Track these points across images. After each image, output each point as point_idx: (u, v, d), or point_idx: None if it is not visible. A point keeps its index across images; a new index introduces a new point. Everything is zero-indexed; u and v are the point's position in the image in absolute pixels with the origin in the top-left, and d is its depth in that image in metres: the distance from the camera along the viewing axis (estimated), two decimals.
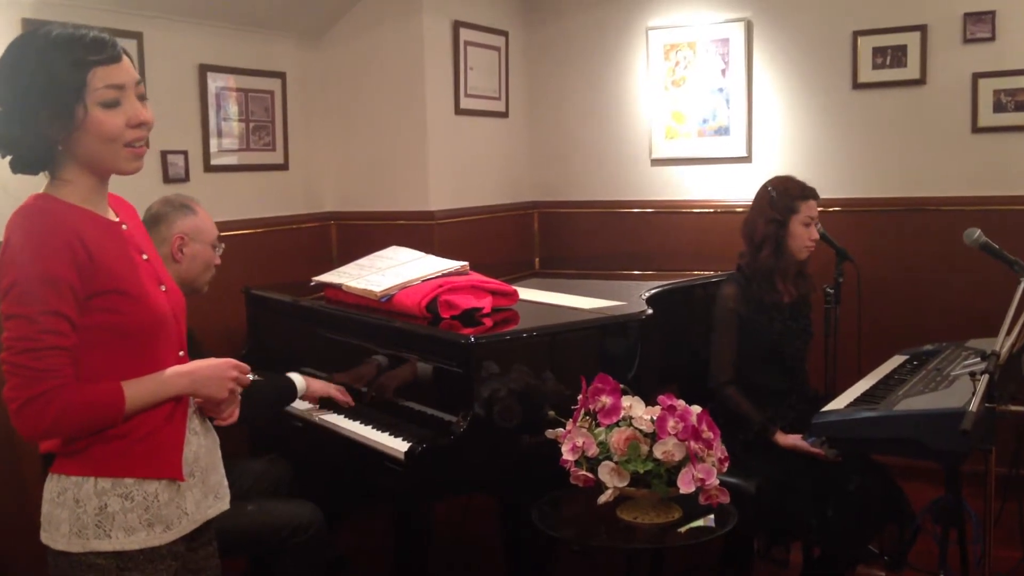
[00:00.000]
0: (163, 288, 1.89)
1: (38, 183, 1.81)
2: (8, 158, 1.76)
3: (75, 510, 1.75)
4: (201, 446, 1.91)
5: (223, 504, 1.98)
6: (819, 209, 3.24)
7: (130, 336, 1.78)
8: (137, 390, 1.76)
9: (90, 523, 1.75)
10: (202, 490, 1.90)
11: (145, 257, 1.88)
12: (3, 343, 1.68)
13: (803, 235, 3.19)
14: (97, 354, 1.74)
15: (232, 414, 1.95)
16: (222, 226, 3.02)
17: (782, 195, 3.21)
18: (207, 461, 1.93)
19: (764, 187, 3.29)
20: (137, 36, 3.64)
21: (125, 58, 1.80)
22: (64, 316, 1.68)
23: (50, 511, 1.78)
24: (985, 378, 2.23)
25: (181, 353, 1.90)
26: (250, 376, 3.13)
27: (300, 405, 3.13)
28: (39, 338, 1.66)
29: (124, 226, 1.87)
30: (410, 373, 2.95)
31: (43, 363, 1.66)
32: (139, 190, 3.07)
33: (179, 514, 1.83)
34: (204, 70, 3.98)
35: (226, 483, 2.02)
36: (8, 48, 1.74)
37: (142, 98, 1.82)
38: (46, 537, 1.79)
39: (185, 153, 3.91)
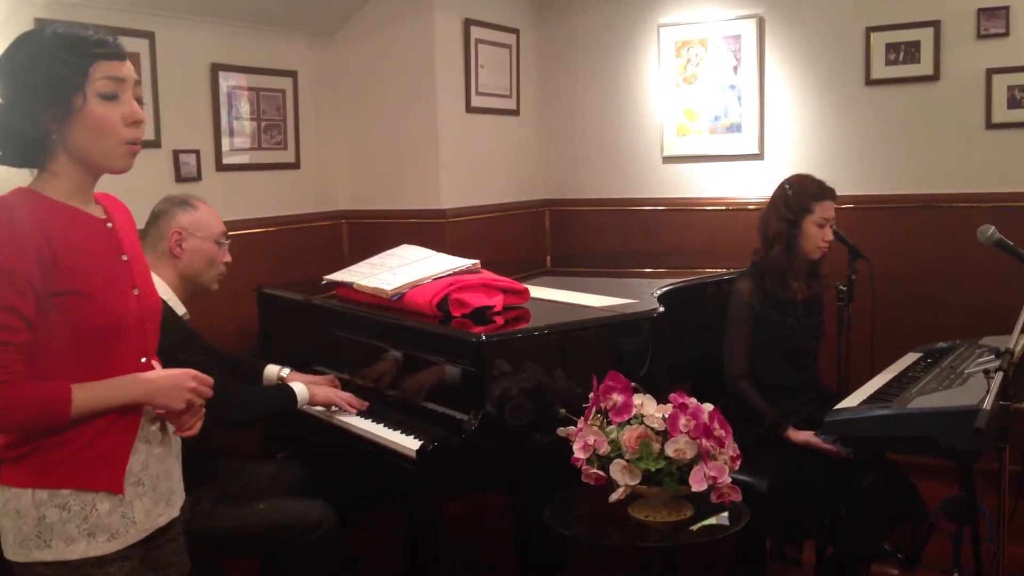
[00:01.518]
0: (136, 292, 1.86)
1: (23, 178, 1.80)
2: None
3: (16, 521, 1.75)
4: (152, 454, 1.88)
5: (173, 511, 1.96)
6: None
7: (85, 339, 1.75)
8: (87, 394, 1.73)
9: (31, 534, 1.74)
10: (152, 498, 1.88)
11: (125, 259, 1.86)
12: None
13: (816, 236, 3.18)
14: (57, 355, 1.72)
15: (193, 426, 1.89)
16: (233, 225, 3.03)
17: (798, 194, 3.21)
18: (158, 469, 1.90)
19: (782, 184, 3.29)
20: (149, 36, 3.65)
21: (128, 59, 1.82)
22: (16, 311, 1.66)
23: None
24: (999, 376, 2.21)
25: (144, 360, 1.86)
26: (286, 373, 3.12)
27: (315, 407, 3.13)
28: None
29: (109, 224, 1.86)
30: (421, 371, 2.95)
31: None
32: (151, 189, 3.09)
33: (125, 523, 1.81)
34: (216, 69, 3.99)
35: (180, 489, 2.01)
36: (13, 44, 1.76)
37: (139, 100, 1.83)
38: (2, 546, 1.78)
39: (197, 152, 3.92)
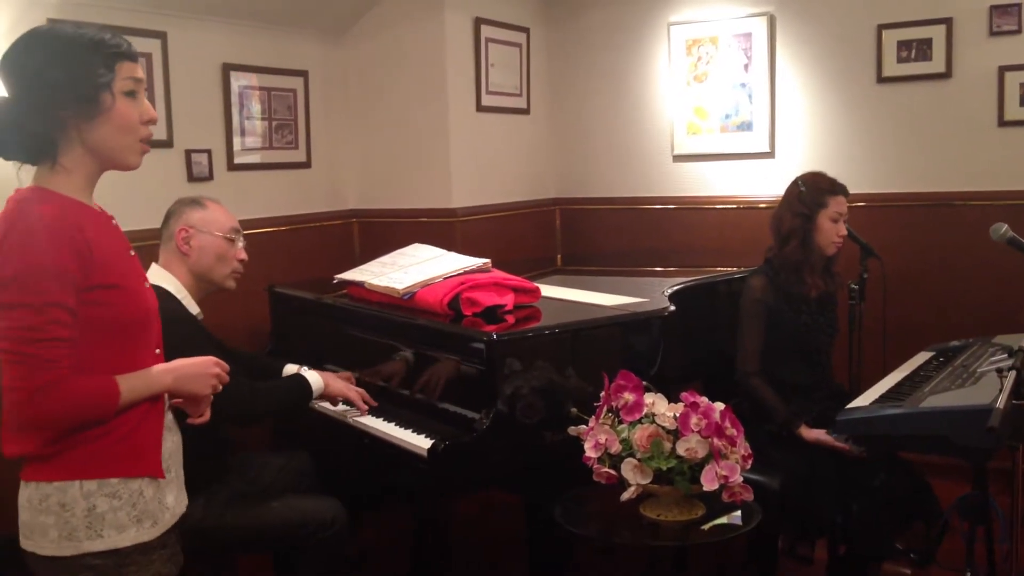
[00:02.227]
0: (147, 285, 1.93)
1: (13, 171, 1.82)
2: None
3: (62, 515, 1.76)
4: (174, 443, 1.95)
5: (186, 499, 2.03)
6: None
7: (120, 331, 1.80)
8: (128, 385, 1.78)
9: (80, 525, 1.76)
10: (177, 484, 1.95)
11: (133, 253, 1.91)
12: (4, 333, 1.68)
13: (831, 231, 3.18)
14: (92, 348, 1.75)
15: (204, 412, 1.97)
16: (245, 224, 3.03)
17: (811, 190, 3.21)
18: (177, 457, 1.97)
19: (795, 181, 3.29)
20: (161, 36, 3.67)
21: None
22: (67, 307, 1.69)
23: (32, 518, 1.78)
24: (1012, 374, 2.21)
25: (157, 351, 1.92)
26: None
27: (323, 402, 3.13)
28: (45, 328, 1.67)
29: (114, 220, 1.90)
30: (432, 370, 2.95)
31: (50, 353, 1.67)
32: (164, 189, 3.11)
33: (162, 509, 1.88)
34: (227, 69, 4.00)
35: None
36: (25, 42, 1.77)
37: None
38: (30, 544, 1.80)
39: (209, 152, 3.93)
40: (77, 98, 1.73)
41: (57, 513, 1.76)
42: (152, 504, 1.84)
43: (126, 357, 1.81)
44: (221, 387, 1.96)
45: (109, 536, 1.78)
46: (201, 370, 1.91)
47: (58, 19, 3.21)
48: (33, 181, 1.80)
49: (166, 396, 1.91)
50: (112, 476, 1.79)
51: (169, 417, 1.94)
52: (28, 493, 1.79)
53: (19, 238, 1.69)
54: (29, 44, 1.76)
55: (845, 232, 3.22)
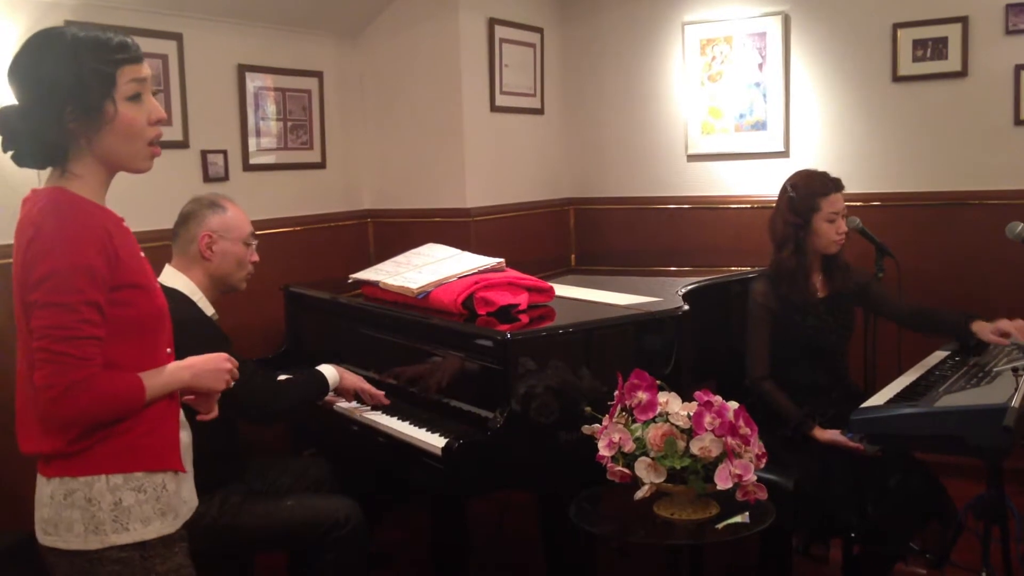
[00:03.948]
0: (159, 284, 1.96)
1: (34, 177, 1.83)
2: (10, 152, 1.79)
3: (88, 509, 1.78)
4: (187, 439, 1.98)
5: (196, 496, 2.05)
6: (859, 204, 3.21)
7: (141, 329, 1.83)
8: (152, 382, 1.82)
9: (106, 519, 1.79)
10: (191, 480, 1.99)
11: (142, 255, 1.92)
12: (38, 331, 1.70)
13: (829, 231, 3.14)
14: (114, 346, 1.77)
15: (213, 408, 2.01)
16: (260, 225, 3.05)
17: (802, 194, 3.15)
18: (190, 454, 1.99)
19: (784, 186, 3.23)
20: (177, 37, 3.69)
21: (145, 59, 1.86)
22: (98, 306, 1.72)
23: (55, 514, 1.80)
24: None
25: (169, 350, 1.95)
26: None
27: (340, 402, 3.15)
28: (79, 327, 1.69)
29: (125, 223, 1.91)
30: (447, 369, 2.96)
31: (82, 351, 1.70)
32: (180, 189, 3.12)
33: (181, 502, 1.92)
34: (242, 70, 4.02)
35: None
36: (34, 46, 1.77)
37: (155, 95, 1.88)
38: (52, 540, 1.81)
39: (224, 152, 3.96)
40: (81, 108, 1.73)
41: (83, 507, 1.78)
42: (174, 498, 1.88)
43: (146, 355, 1.84)
44: (233, 383, 2.00)
45: (135, 529, 1.81)
46: (215, 365, 1.95)
47: (76, 21, 3.24)
48: (47, 183, 1.82)
49: (180, 394, 1.94)
50: (137, 470, 1.82)
51: (181, 414, 1.97)
52: (51, 489, 1.80)
53: (50, 238, 1.71)
54: (37, 50, 1.76)
55: (845, 229, 3.16)
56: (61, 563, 1.82)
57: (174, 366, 1.89)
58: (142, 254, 1.91)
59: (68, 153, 1.79)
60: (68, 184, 1.79)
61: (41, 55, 1.76)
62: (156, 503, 1.84)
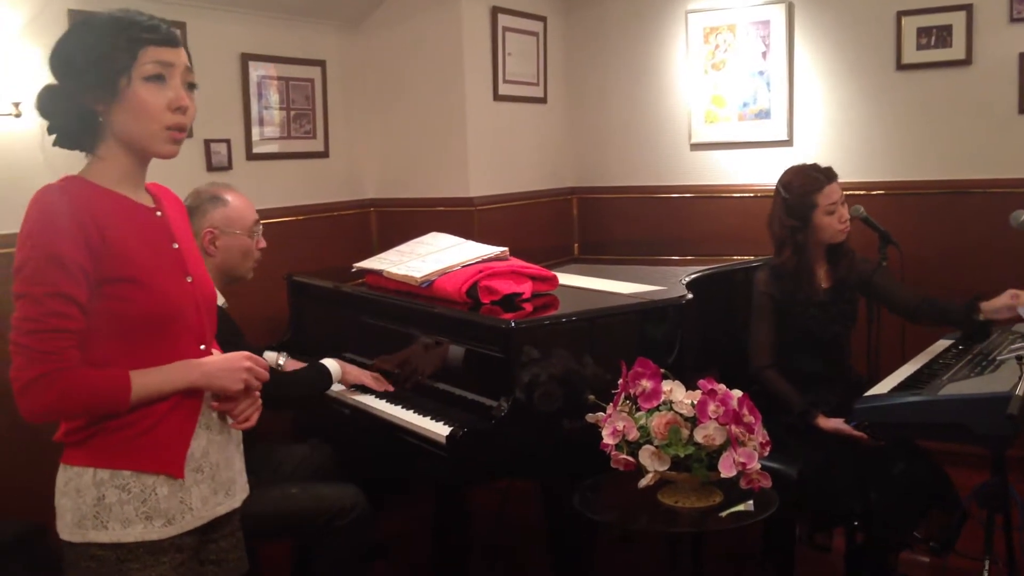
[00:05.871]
0: (189, 279, 1.86)
1: (79, 160, 1.82)
2: (53, 136, 1.79)
3: (76, 499, 1.75)
4: (212, 442, 1.87)
5: (234, 502, 1.94)
6: (862, 193, 3.20)
7: (138, 325, 1.75)
8: (145, 380, 1.74)
9: (88, 513, 1.74)
10: (211, 486, 1.86)
11: (176, 246, 1.87)
12: (12, 323, 1.68)
13: (831, 223, 3.11)
14: (110, 341, 1.73)
15: (250, 417, 1.89)
16: (263, 214, 3.05)
17: (796, 194, 3.12)
18: (218, 457, 1.88)
19: (777, 187, 3.20)
20: (180, 26, 3.69)
21: (182, 46, 1.83)
22: (71, 298, 1.66)
23: (58, 501, 1.78)
24: None
25: (202, 347, 1.87)
26: (283, 361, 3.15)
27: (341, 390, 3.15)
28: (43, 320, 1.65)
29: (158, 213, 1.87)
30: (451, 358, 2.96)
31: (46, 344, 1.65)
32: (183, 178, 3.12)
33: (182, 509, 1.80)
34: (246, 59, 4.02)
35: (243, 481, 1.98)
36: (70, 27, 1.80)
37: (191, 87, 1.84)
38: (57, 526, 1.79)
39: (228, 141, 3.96)
40: (97, 82, 1.72)
41: (72, 498, 1.75)
42: (167, 503, 1.77)
43: (148, 352, 1.76)
44: (256, 383, 1.87)
45: (113, 529, 1.74)
46: (230, 364, 1.84)
47: (79, 10, 3.24)
48: (82, 169, 1.80)
49: (207, 394, 1.85)
50: (125, 468, 1.74)
51: (214, 416, 1.87)
52: (58, 475, 1.79)
53: (30, 227, 1.68)
54: (70, 30, 1.79)
55: (847, 217, 3.14)
56: (63, 550, 1.80)
57: (182, 364, 1.79)
58: (175, 246, 1.86)
59: (95, 135, 1.78)
60: (89, 169, 1.79)
61: (74, 32, 1.77)
62: (141, 505, 1.75)
